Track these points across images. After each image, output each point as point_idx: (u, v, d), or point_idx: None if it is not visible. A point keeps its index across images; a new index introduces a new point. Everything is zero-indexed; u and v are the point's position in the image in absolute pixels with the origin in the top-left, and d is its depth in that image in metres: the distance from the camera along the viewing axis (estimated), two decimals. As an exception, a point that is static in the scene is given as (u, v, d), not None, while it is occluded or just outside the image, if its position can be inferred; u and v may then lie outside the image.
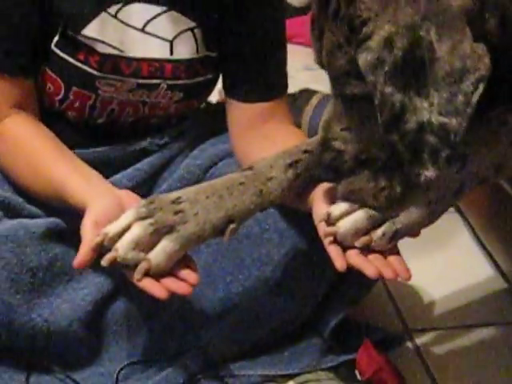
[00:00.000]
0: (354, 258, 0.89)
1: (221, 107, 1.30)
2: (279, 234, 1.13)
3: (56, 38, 1.12)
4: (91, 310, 1.07)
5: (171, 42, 1.16)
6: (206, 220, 0.94)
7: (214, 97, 1.31)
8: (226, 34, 1.21)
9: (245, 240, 1.10)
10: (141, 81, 1.16)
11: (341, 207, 0.93)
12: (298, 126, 1.62)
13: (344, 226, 0.91)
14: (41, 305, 1.04)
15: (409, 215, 0.94)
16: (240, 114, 1.22)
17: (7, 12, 1.10)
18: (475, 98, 0.79)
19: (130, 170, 1.19)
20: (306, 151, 1.02)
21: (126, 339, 1.08)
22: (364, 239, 0.91)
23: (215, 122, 1.29)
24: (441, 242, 1.46)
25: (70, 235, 1.08)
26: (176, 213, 0.94)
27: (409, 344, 1.29)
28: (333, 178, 0.96)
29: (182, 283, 0.91)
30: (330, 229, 0.91)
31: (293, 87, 1.36)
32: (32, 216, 1.10)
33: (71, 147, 1.15)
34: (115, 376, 1.06)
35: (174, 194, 0.96)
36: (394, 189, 0.92)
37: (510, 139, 0.96)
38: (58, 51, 1.12)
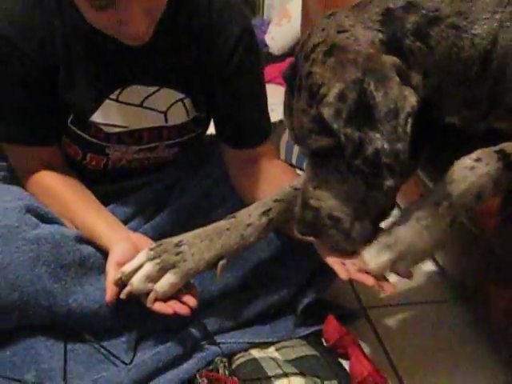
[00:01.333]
0: (356, 274, 1.01)
1: (213, 138, 1.40)
2: (268, 238, 1.24)
3: (71, 117, 1.21)
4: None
5: (165, 113, 1.25)
6: (200, 258, 1.11)
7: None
8: (213, 98, 1.28)
9: None
10: (142, 146, 1.27)
11: (370, 252, 1.01)
12: (277, 149, 1.77)
13: (371, 261, 1.01)
14: (75, 292, 1.14)
15: (413, 249, 1.00)
16: (234, 156, 1.33)
17: (26, 103, 1.19)
18: (408, 129, 0.90)
19: (137, 195, 1.33)
20: (276, 200, 1.17)
21: (141, 317, 1.17)
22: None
23: (208, 151, 1.40)
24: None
25: (88, 242, 1.20)
26: (177, 254, 1.10)
27: (363, 318, 1.40)
28: (313, 234, 1.06)
29: (184, 306, 1.08)
30: (360, 265, 1.02)
31: (274, 118, 1.47)
32: (62, 223, 1.21)
33: (92, 183, 1.28)
34: (134, 343, 1.16)
35: (177, 238, 1.12)
36: (366, 227, 1.02)
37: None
38: (73, 127, 1.23)
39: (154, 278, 1.08)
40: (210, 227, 1.14)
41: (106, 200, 1.27)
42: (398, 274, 1.01)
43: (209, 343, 1.20)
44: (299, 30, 2.12)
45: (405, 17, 0.97)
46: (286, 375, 1.15)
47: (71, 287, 1.14)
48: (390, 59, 0.93)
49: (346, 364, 1.23)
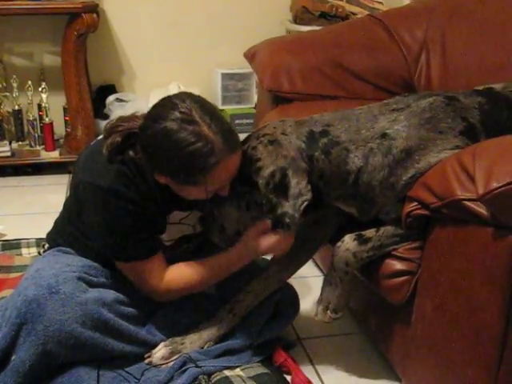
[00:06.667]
0: None
1: None
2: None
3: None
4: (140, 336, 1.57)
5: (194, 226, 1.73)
6: (194, 346, 1.56)
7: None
8: None
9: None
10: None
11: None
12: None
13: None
14: (108, 338, 1.47)
15: (335, 302, 1.42)
16: None
17: (142, 226, 1.49)
18: (302, 208, 1.28)
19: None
20: (235, 301, 1.59)
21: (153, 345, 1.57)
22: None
23: None
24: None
25: (122, 303, 1.54)
26: (182, 344, 1.57)
27: (299, 346, 1.67)
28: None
29: None
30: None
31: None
32: (104, 286, 1.53)
33: None
34: (143, 368, 1.51)
35: (181, 337, 1.57)
36: None
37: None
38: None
39: (166, 358, 1.55)
40: (201, 326, 1.61)
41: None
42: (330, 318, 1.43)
43: (195, 366, 1.51)
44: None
45: (319, 138, 1.35)
46: (248, 387, 1.41)
47: (106, 335, 1.48)
48: (303, 165, 1.31)
49: (288, 378, 1.52)
